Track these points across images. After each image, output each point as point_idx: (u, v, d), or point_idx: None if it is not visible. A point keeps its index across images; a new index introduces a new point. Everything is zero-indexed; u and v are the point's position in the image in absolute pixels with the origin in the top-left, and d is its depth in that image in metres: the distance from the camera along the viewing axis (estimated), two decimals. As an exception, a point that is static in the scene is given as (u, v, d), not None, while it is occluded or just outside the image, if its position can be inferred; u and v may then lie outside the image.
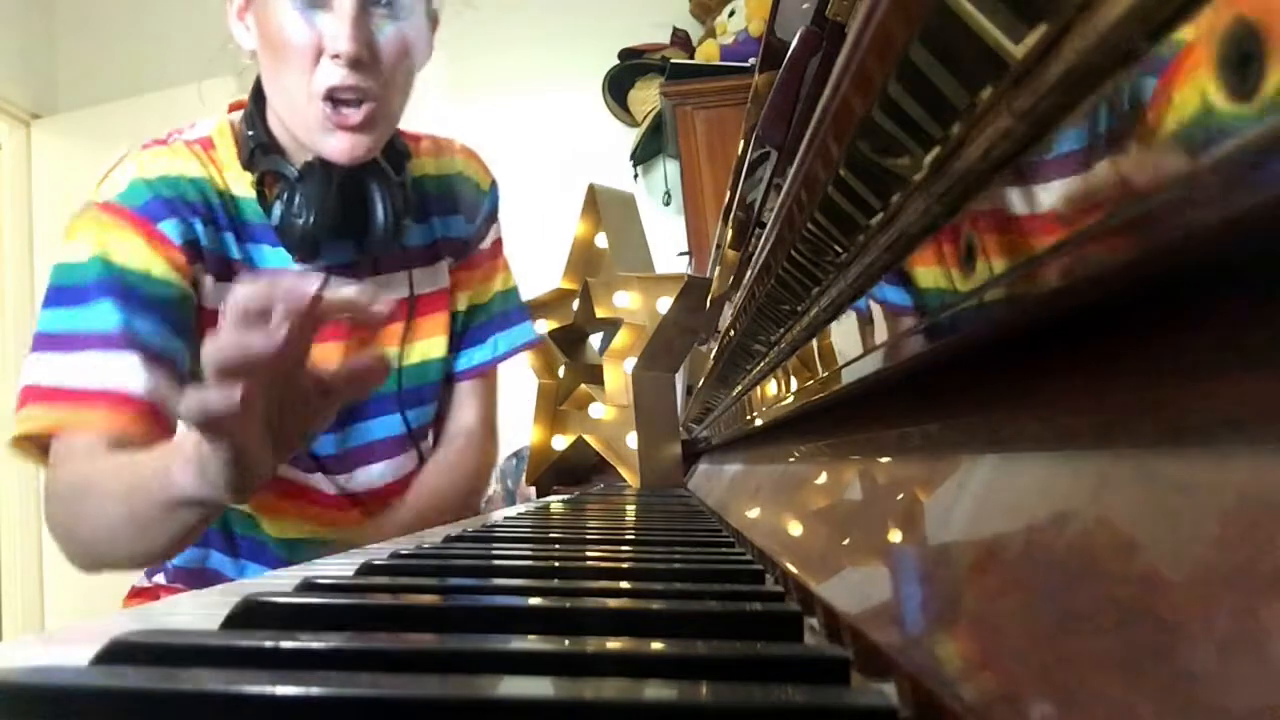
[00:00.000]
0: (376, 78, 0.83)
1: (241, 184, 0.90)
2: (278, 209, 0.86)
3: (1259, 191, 0.13)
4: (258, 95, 0.90)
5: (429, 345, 1.00)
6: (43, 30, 3.39)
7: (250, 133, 0.89)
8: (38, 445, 0.83)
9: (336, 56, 0.80)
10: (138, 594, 1.03)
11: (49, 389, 0.81)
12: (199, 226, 0.86)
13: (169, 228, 0.85)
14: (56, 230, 3.15)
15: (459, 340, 1.06)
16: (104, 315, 0.82)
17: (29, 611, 3.08)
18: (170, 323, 0.84)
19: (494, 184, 1.10)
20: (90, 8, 3.42)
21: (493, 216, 1.09)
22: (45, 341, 0.83)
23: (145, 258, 0.84)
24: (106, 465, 0.76)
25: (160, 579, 1.02)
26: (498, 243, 1.10)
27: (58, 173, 3.19)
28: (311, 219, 0.85)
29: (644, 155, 3.09)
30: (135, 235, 0.84)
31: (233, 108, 0.96)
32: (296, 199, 0.85)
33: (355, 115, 0.83)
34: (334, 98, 0.82)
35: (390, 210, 0.89)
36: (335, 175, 0.86)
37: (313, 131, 0.84)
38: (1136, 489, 0.18)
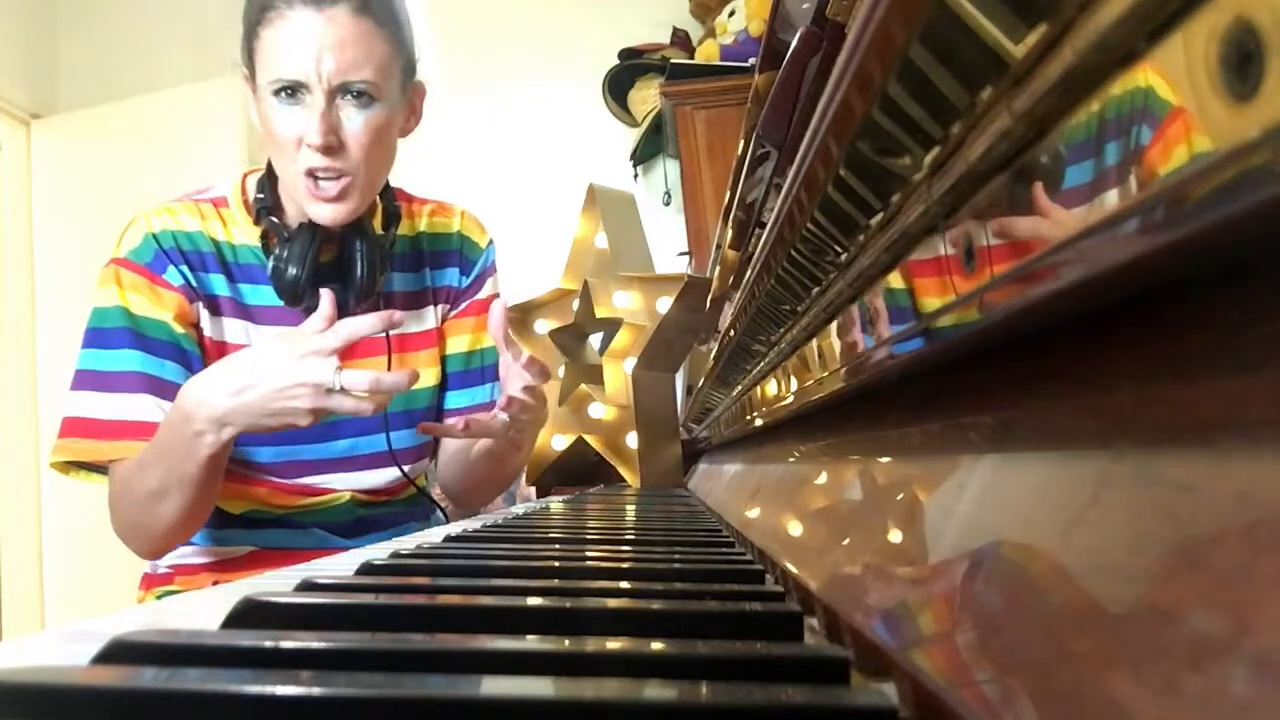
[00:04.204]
0: (347, 159, 0.98)
1: (248, 234, 1.07)
2: (272, 261, 1.03)
3: (1258, 192, 0.13)
4: (272, 166, 1.08)
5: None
6: (43, 30, 3.39)
7: (260, 195, 1.06)
8: (78, 465, 1.02)
9: (311, 145, 0.97)
10: (151, 581, 1.14)
11: (86, 421, 1.00)
12: (188, 271, 1.04)
13: (171, 275, 1.03)
14: (56, 230, 3.12)
15: (461, 378, 1.20)
16: (128, 361, 1.01)
17: (29, 611, 3.08)
18: (179, 360, 1.03)
19: (491, 243, 1.25)
20: (91, 8, 3.42)
21: (489, 271, 1.24)
22: (83, 379, 1.02)
23: (156, 308, 1.02)
24: (137, 464, 0.97)
25: (170, 562, 1.12)
26: (494, 296, 1.24)
27: (58, 173, 3.18)
28: (299, 271, 1.02)
29: (644, 155, 3.08)
30: (146, 286, 1.02)
31: (248, 174, 1.12)
32: (287, 253, 1.02)
33: (332, 189, 0.99)
34: (311, 174, 0.99)
35: (367, 266, 1.05)
36: (321, 235, 1.03)
37: (303, 200, 1.01)
38: (1136, 489, 0.18)
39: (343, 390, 0.88)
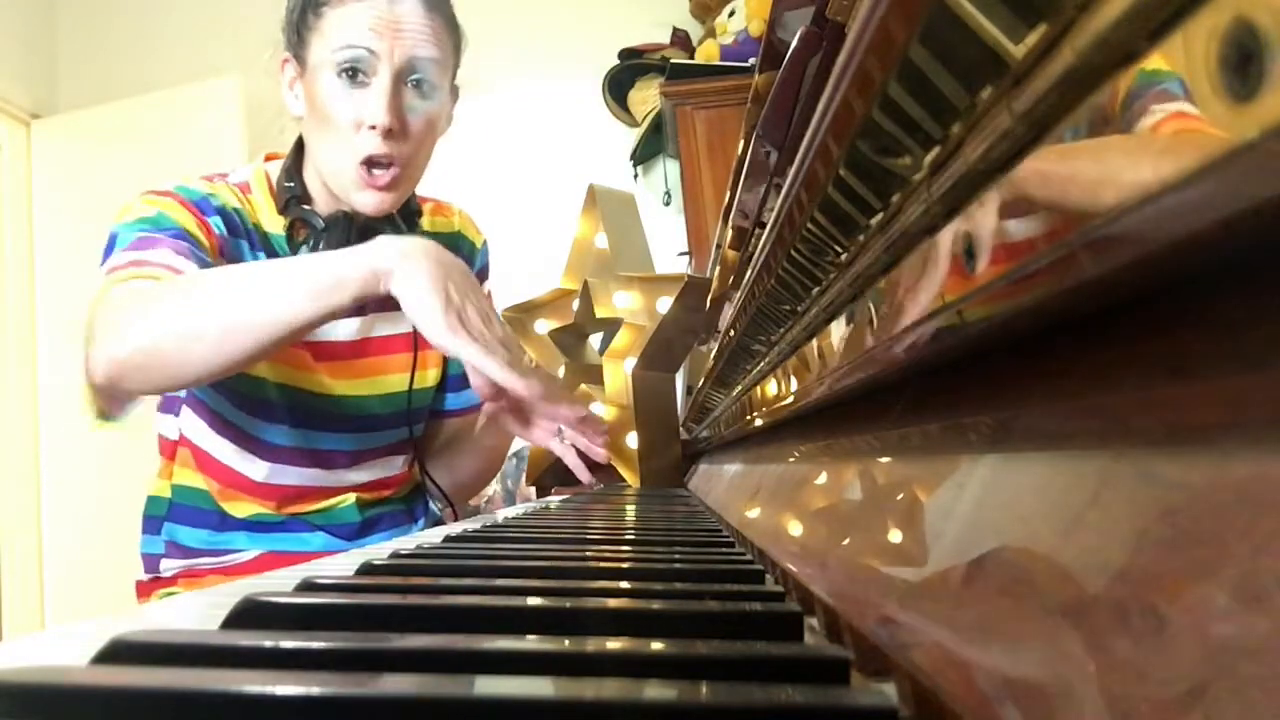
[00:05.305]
0: (405, 146, 0.99)
1: (273, 224, 1.05)
2: (304, 253, 1.01)
3: (1258, 192, 0.13)
4: (297, 151, 1.06)
5: (428, 375, 1.17)
6: (43, 30, 3.39)
7: (289, 184, 1.04)
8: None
9: (373, 127, 0.96)
10: (154, 585, 1.14)
11: (127, 270, 0.89)
12: (229, 235, 1.00)
13: (215, 223, 0.99)
14: (57, 230, 3.13)
15: (460, 380, 1.20)
16: (170, 248, 0.91)
17: (29, 611, 3.08)
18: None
19: (485, 243, 1.27)
20: (91, 8, 3.42)
21: (485, 272, 1.26)
22: (117, 259, 0.91)
23: (196, 233, 0.96)
24: (228, 269, 0.89)
25: (172, 570, 1.11)
26: (489, 296, 1.27)
27: (58, 173, 3.18)
28: None
29: (644, 155, 3.09)
30: (186, 214, 0.96)
31: (268, 158, 1.11)
32: (321, 246, 1.00)
33: (384, 177, 0.98)
34: (369, 162, 0.97)
35: None
36: (355, 227, 1.01)
37: (348, 187, 0.99)
38: (1136, 489, 0.18)
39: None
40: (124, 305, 0.87)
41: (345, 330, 1.09)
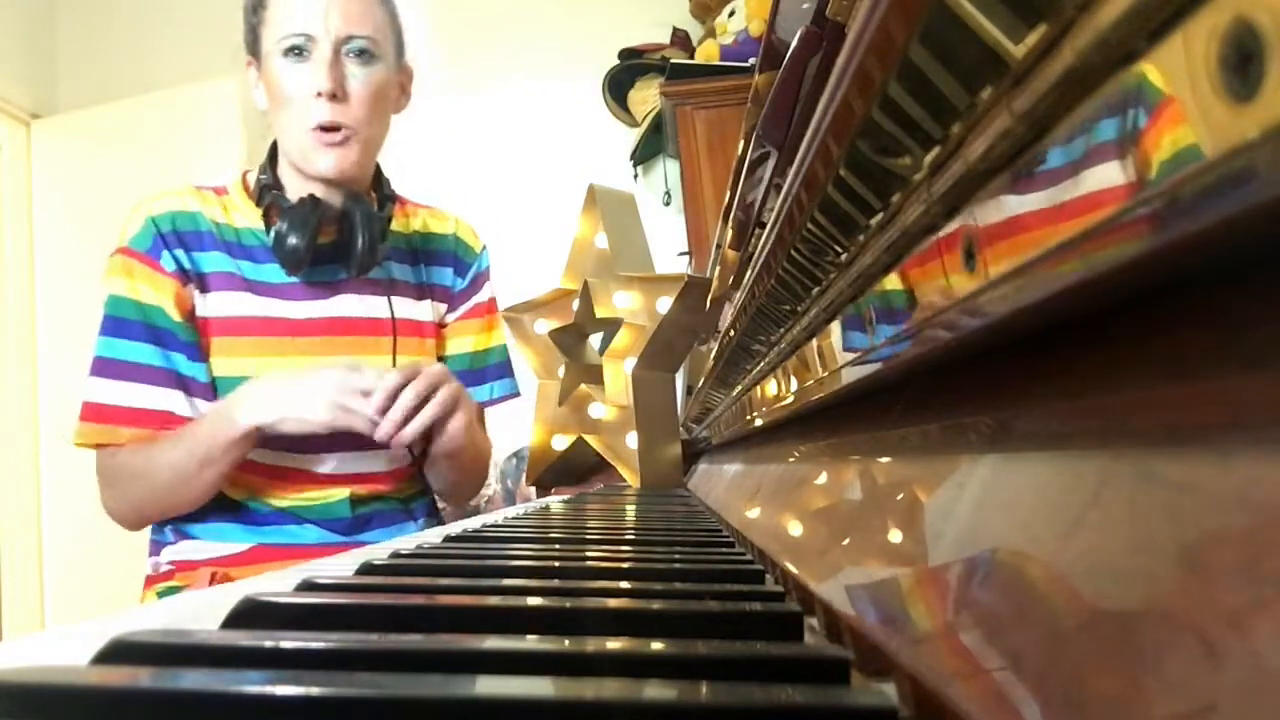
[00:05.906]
0: (352, 110, 1.08)
1: (249, 218, 1.13)
2: (273, 231, 1.09)
3: (1258, 192, 0.13)
4: (272, 149, 1.15)
5: (416, 363, 1.20)
6: (43, 30, 3.39)
7: (262, 176, 1.13)
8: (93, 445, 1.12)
9: (319, 95, 1.05)
10: (153, 580, 1.17)
11: (107, 407, 1.07)
12: (183, 255, 1.10)
13: (166, 261, 1.09)
14: (57, 230, 3.11)
15: (461, 378, 1.22)
16: (143, 354, 1.08)
17: (29, 611, 3.08)
18: (184, 350, 1.09)
19: (485, 248, 1.32)
20: (91, 8, 3.42)
21: (485, 275, 1.31)
22: (101, 366, 1.09)
23: (159, 295, 1.08)
24: (161, 441, 1.06)
25: (170, 559, 1.15)
26: (493, 300, 1.32)
27: (58, 173, 3.18)
28: (299, 238, 1.07)
29: (644, 155, 3.08)
30: (149, 273, 1.09)
31: (247, 171, 1.19)
32: (288, 223, 1.08)
33: (338, 136, 1.07)
34: (321, 126, 1.07)
35: (368, 235, 1.11)
36: (322, 206, 1.10)
37: (308, 156, 1.08)
38: (1136, 489, 0.18)
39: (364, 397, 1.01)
40: (114, 489, 1.11)
41: (317, 309, 1.14)
